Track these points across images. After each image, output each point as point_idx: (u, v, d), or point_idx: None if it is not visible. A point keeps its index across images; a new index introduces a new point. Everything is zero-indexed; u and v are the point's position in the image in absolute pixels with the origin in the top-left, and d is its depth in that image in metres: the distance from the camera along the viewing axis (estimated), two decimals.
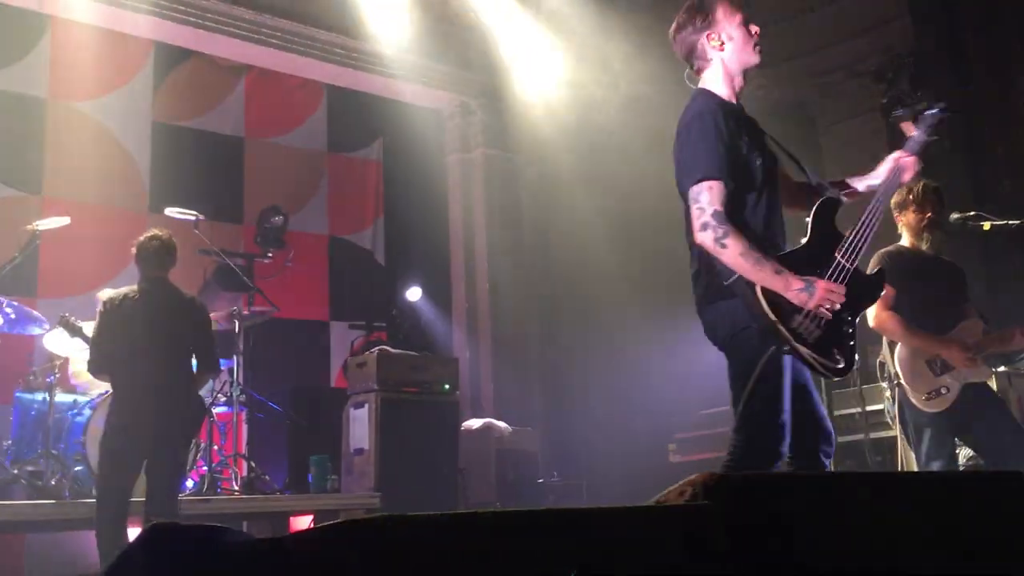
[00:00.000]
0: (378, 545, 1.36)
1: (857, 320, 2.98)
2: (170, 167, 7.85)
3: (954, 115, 3.31)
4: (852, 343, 2.92)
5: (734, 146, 2.93)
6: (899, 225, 4.46)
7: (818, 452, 2.99)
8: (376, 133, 9.37)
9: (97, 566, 4.78)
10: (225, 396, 6.51)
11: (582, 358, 8.81)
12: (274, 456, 7.25)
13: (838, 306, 2.85)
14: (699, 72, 3.11)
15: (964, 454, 4.69)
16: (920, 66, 7.88)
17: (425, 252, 9.37)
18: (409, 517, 1.38)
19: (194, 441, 5.46)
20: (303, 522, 6.37)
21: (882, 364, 4.53)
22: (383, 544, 1.36)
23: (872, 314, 4.31)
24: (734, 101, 3.08)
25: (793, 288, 2.79)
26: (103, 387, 5.40)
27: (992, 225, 4.16)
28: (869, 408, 5.57)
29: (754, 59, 3.08)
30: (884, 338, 4.42)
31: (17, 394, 5.83)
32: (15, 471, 5.42)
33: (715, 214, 2.83)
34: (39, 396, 5.71)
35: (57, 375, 5.75)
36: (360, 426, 6.53)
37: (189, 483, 5.90)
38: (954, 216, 4.22)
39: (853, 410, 5.42)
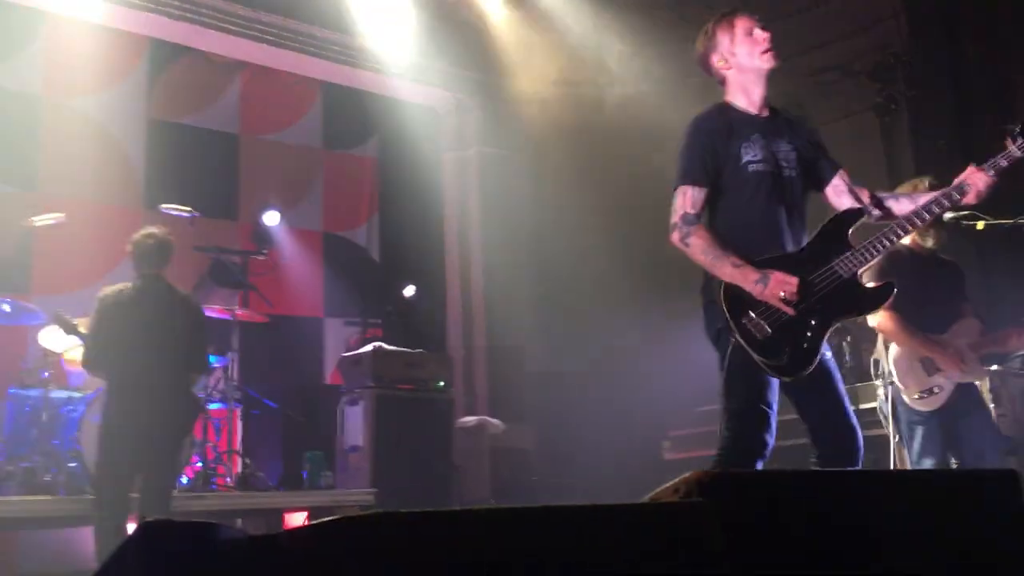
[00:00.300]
0: (373, 542, 1.36)
1: (830, 326, 2.99)
2: (165, 164, 7.83)
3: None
4: (809, 347, 2.95)
5: (719, 151, 3.11)
6: None
7: (843, 457, 3.03)
8: (371, 130, 9.36)
9: (92, 562, 4.78)
10: (220, 392, 6.50)
11: (577, 355, 8.81)
12: (269, 453, 7.25)
13: (795, 298, 2.91)
14: (722, 85, 3.31)
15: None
16: (915, 65, 7.90)
17: (420, 249, 9.36)
18: (403, 514, 1.38)
19: (188, 438, 5.46)
20: (297, 519, 6.37)
21: (876, 362, 4.55)
22: (378, 541, 1.37)
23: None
24: (753, 110, 3.22)
25: (750, 279, 2.95)
26: (98, 383, 5.39)
27: (986, 224, 4.16)
28: (863, 406, 5.58)
29: (763, 65, 3.22)
30: (880, 336, 4.44)
31: (11, 390, 5.82)
32: (9, 467, 5.42)
33: (684, 216, 3.09)
34: (33, 392, 5.70)
35: (51, 371, 5.75)
36: (355, 423, 6.53)
37: (184, 480, 5.89)
38: (948, 215, 4.22)
39: None
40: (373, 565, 1.35)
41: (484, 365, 8.99)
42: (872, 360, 4.71)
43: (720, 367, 3.05)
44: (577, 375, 8.73)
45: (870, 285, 4.17)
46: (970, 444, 4.16)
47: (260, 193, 8.13)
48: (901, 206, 3.22)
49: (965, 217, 4.20)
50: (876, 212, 3.24)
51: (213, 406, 6.47)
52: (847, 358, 5.82)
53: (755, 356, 2.91)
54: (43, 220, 5.91)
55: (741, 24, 3.22)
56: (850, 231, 3.09)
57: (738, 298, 2.95)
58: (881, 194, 3.31)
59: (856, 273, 3.04)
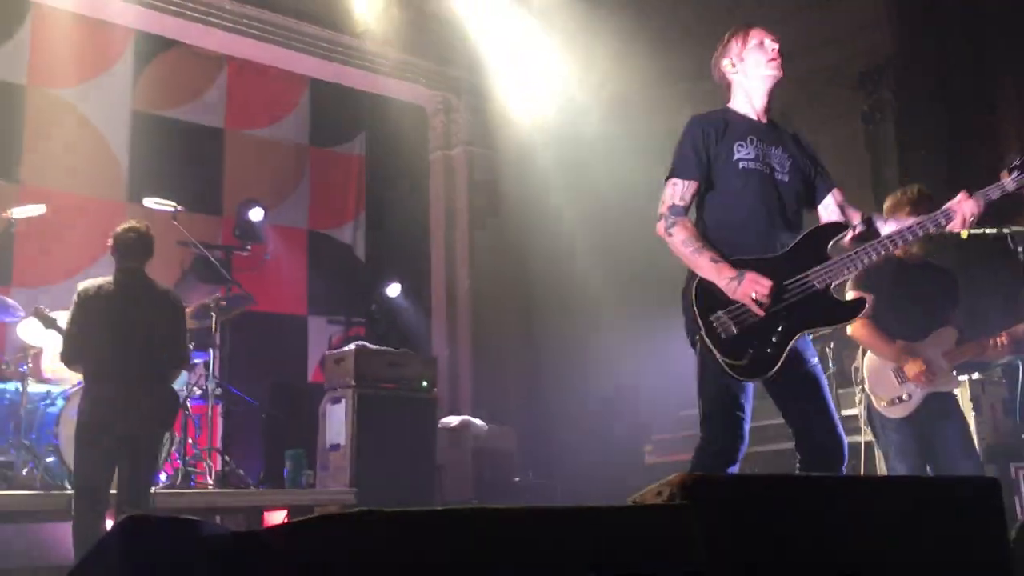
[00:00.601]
0: (354, 540, 1.35)
1: (796, 334, 2.99)
2: (150, 157, 7.78)
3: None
4: (772, 352, 2.96)
5: (712, 150, 3.17)
6: None
7: (826, 463, 3.04)
8: (359, 128, 9.33)
9: (69, 557, 4.74)
10: (200, 389, 6.46)
11: (560, 358, 8.81)
12: (249, 450, 7.21)
13: (766, 300, 2.92)
14: (728, 91, 3.40)
15: None
16: (901, 73, 7.94)
17: (405, 249, 9.34)
18: (384, 512, 1.37)
19: (168, 434, 5.42)
20: (277, 517, 6.34)
21: (856, 370, 4.57)
22: (359, 539, 1.36)
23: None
24: (754, 117, 3.29)
25: (724, 276, 2.98)
26: (76, 378, 5.35)
27: (970, 233, 4.17)
28: (845, 413, 5.59)
29: (769, 74, 3.32)
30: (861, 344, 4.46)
31: None
32: None
33: (671, 207, 3.14)
34: (11, 386, 5.65)
35: (30, 365, 5.69)
36: (336, 421, 6.51)
37: (163, 476, 5.85)
38: None
39: None
40: (354, 563, 1.35)
41: (468, 365, 8.98)
42: (853, 367, 4.74)
43: (697, 368, 3.11)
44: (560, 377, 8.73)
45: (848, 296, 4.22)
46: (944, 452, 4.18)
47: (245, 189, 8.09)
48: (888, 229, 3.26)
49: None
50: (860, 230, 3.26)
51: (194, 403, 6.43)
52: (830, 364, 5.84)
53: (716, 354, 2.94)
54: (24, 212, 5.86)
55: (755, 34, 3.35)
56: (830, 244, 3.13)
57: (711, 295, 2.99)
58: (875, 216, 3.34)
59: (830, 285, 3.05)
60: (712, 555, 1.51)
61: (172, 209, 6.34)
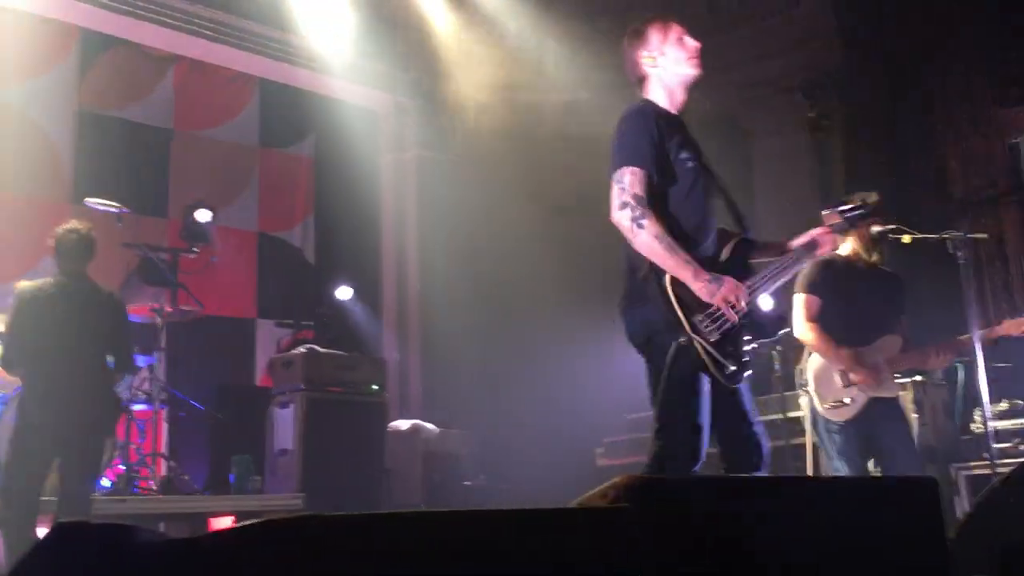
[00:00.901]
0: (296, 545, 1.34)
1: (751, 342, 3.03)
2: (95, 157, 7.63)
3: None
4: (746, 358, 2.98)
5: (663, 145, 3.05)
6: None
7: (744, 466, 3.03)
8: (309, 130, 9.25)
9: (2, 565, 4.63)
10: (145, 393, 6.34)
11: (512, 361, 8.82)
12: (195, 456, 7.10)
13: (743, 307, 2.92)
14: (641, 87, 3.28)
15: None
16: (847, 83, 8.10)
17: (355, 251, 9.28)
18: (327, 517, 1.36)
19: (111, 439, 5.32)
20: (224, 524, 6.25)
21: (801, 372, 4.63)
22: (302, 544, 1.34)
23: (795, 324, 4.40)
24: (676, 113, 3.22)
25: (702, 278, 2.88)
26: (17, 382, 5.23)
27: (912, 238, 4.26)
28: (790, 415, 5.69)
29: (689, 72, 3.22)
30: (806, 347, 4.52)
31: None
32: None
33: (635, 196, 2.95)
34: None
35: None
36: (285, 426, 6.44)
37: (105, 482, 5.74)
38: (875, 229, 4.33)
39: (774, 416, 5.53)
40: (297, 568, 1.33)
41: (418, 369, 8.96)
42: (797, 369, 4.80)
43: (652, 375, 2.99)
44: (512, 380, 8.74)
45: (797, 297, 4.29)
46: (889, 453, 4.25)
47: (192, 190, 7.97)
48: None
49: (892, 231, 4.30)
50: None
51: (137, 407, 6.31)
52: (776, 367, 5.92)
53: (714, 357, 2.86)
54: None
55: (675, 29, 3.25)
56: (749, 258, 3.18)
57: (682, 297, 2.88)
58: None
59: (755, 300, 3.07)
60: (655, 557, 1.52)
61: (117, 210, 6.22)
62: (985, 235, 5.01)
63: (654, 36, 3.23)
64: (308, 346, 6.84)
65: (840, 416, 4.24)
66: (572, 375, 8.12)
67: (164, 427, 6.49)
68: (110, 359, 4.95)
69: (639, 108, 3.13)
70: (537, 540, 1.43)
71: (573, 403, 8.16)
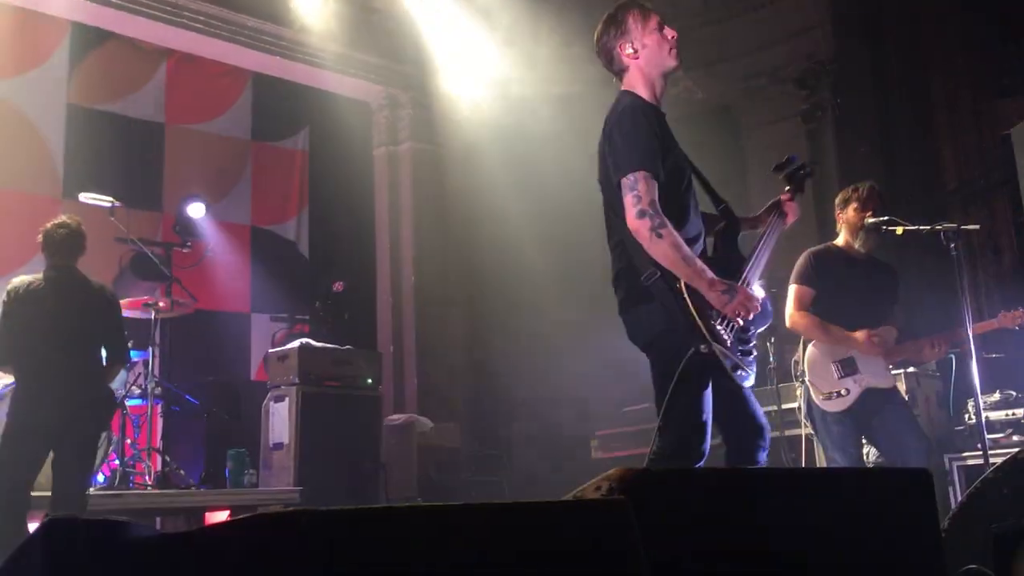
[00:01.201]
0: (290, 539, 1.33)
1: (756, 337, 3.07)
2: (86, 152, 7.59)
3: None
4: (754, 356, 3.03)
5: (663, 142, 3.01)
6: (838, 223, 4.53)
7: (754, 451, 3.06)
8: (302, 123, 9.22)
9: None
10: (139, 388, 6.33)
11: (506, 354, 8.82)
12: (190, 450, 7.09)
13: (751, 316, 2.92)
14: (620, 78, 3.19)
15: (874, 452, 4.83)
16: (840, 73, 8.09)
17: (350, 245, 9.26)
18: (322, 511, 1.35)
19: (105, 434, 5.31)
20: (219, 518, 6.25)
21: (796, 363, 4.64)
22: (296, 538, 1.34)
23: (787, 314, 4.41)
24: (656, 104, 3.14)
25: (717, 288, 2.85)
26: (8, 379, 5.21)
27: (905, 230, 4.26)
28: (785, 406, 5.70)
29: (670, 63, 3.15)
30: (802, 338, 4.52)
31: None
32: None
33: (652, 203, 2.87)
34: None
35: None
36: (280, 420, 6.43)
37: (100, 478, 5.74)
38: (869, 220, 4.33)
39: (769, 408, 5.54)
40: (291, 563, 1.32)
41: (413, 362, 8.94)
42: (793, 361, 4.81)
43: (658, 373, 2.98)
44: (507, 374, 8.74)
45: (790, 288, 4.30)
46: (894, 436, 4.23)
47: (185, 184, 7.95)
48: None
49: (885, 222, 4.30)
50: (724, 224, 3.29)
51: (132, 402, 6.30)
52: (771, 359, 5.94)
53: (735, 361, 2.89)
54: None
55: (652, 17, 3.14)
56: (737, 242, 3.18)
57: (697, 303, 2.85)
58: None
59: (753, 285, 3.08)
60: (649, 550, 1.52)
61: (109, 205, 6.20)
62: (978, 226, 5.01)
63: (633, 25, 3.11)
64: (303, 340, 6.83)
65: (835, 407, 4.25)
66: (566, 369, 8.12)
67: (159, 422, 6.47)
68: (104, 352, 4.93)
69: (636, 106, 3.03)
70: (531, 533, 1.43)
71: (568, 396, 8.17)
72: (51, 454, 4.65)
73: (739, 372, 2.94)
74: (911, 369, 5.60)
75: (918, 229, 4.23)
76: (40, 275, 4.78)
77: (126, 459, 5.92)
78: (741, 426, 3.08)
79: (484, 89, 8.81)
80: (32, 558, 1.28)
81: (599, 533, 1.47)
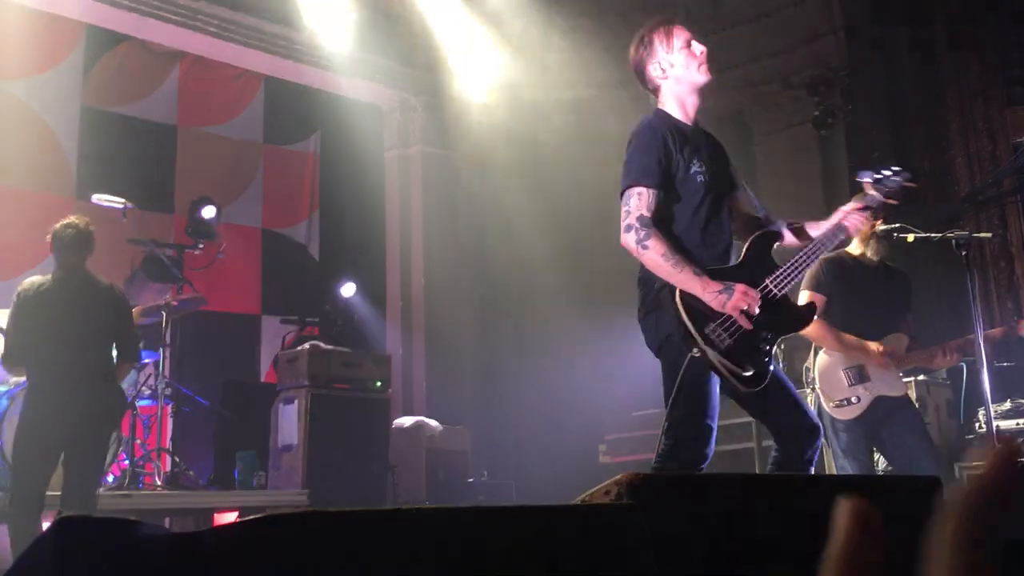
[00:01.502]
0: (300, 541, 1.34)
1: (775, 342, 3.07)
2: (99, 153, 7.64)
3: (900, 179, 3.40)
4: (767, 359, 3.01)
5: (673, 161, 3.06)
6: None
7: (796, 452, 3.06)
8: (314, 126, 9.26)
9: (8, 559, 4.65)
10: (150, 389, 6.35)
11: (515, 358, 8.83)
12: (200, 451, 7.11)
13: (756, 312, 2.93)
14: (656, 96, 3.27)
15: (883, 460, 4.81)
16: (852, 80, 8.08)
17: (360, 248, 9.29)
18: (331, 512, 1.36)
19: (115, 434, 5.33)
20: (228, 519, 6.26)
21: (807, 370, 4.63)
22: (306, 540, 1.34)
23: None
24: (687, 122, 3.21)
25: (711, 289, 2.91)
26: (20, 379, 5.23)
27: (916, 237, 4.25)
28: None
29: (700, 78, 3.21)
30: (813, 345, 4.51)
31: None
32: None
33: (640, 218, 2.98)
34: None
35: None
36: (289, 422, 6.45)
37: (110, 478, 5.75)
38: (880, 227, 4.32)
39: None
40: (300, 564, 1.33)
41: (422, 365, 8.95)
42: (804, 368, 4.80)
43: (664, 377, 3.05)
44: (515, 377, 8.74)
45: (802, 297, 4.28)
46: (901, 445, 4.22)
47: (197, 186, 7.98)
48: (790, 233, 3.33)
49: (896, 229, 4.29)
50: (788, 238, 3.30)
51: (143, 403, 6.32)
52: (781, 365, 5.91)
53: (725, 366, 2.90)
54: None
55: (679, 34, 3.20)
56: (771, 251, 3.17)
57: (694, 307, 2.92)
58: (771, 216, 3.36)
59: (786, 292, 3.09)
60: (658, 554, 1.52)
61: (122, 206, 6.23)
62: (990, 234, 5.00)
63: (659, 46, 3.20)
64: (312, 342, 6.85)
65: (845, 415, 4.24)
66: (575, 373, 8.12)
67: (168, 423, 6.49)
68: (114, 352, 4.95)
69: (649, 124, 3.13)
70: (539, 537, 1.43)
71: (576, 401, 8.16)
72: (62, 454, 4.68)
73: (745, 375, 2.93)
74: (921, 377, 5.58)
75: (929, 237, 4.22)
76: (50, 276, 4.80)
77: (136, 459, 5.94)
78: (776, 427, 3.13)
79: (495, 93, 8.82)
80: (43, 556, 1.29)
81: (609, 537, 1.48)
